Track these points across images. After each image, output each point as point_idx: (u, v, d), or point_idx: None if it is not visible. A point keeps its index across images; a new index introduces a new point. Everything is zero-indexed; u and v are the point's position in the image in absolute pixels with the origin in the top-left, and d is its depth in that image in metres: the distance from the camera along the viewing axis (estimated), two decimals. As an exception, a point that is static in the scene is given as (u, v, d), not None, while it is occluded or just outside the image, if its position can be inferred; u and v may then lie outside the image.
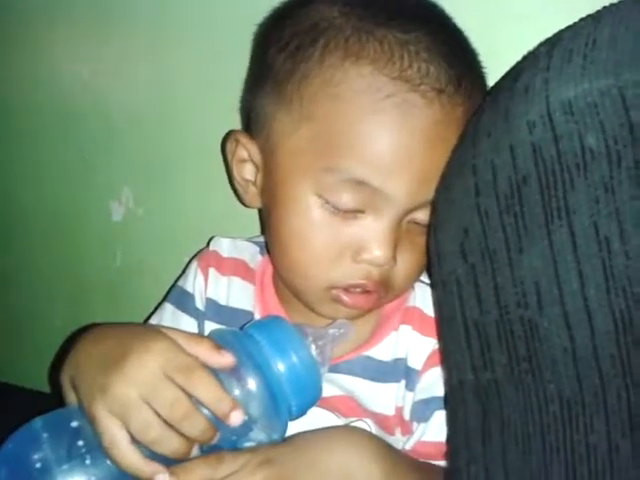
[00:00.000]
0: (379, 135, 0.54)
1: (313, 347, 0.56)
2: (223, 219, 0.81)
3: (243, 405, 0.51)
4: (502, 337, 0.48)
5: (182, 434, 0.48)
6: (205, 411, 0.50)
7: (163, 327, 0.55)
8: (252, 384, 0.52)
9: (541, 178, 0.46)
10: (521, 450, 0.49)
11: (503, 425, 0.50)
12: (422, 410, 0.61)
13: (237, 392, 0.52)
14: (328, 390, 0.60)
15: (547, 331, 0.46)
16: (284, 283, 0.64)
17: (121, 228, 0.88)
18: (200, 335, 0.58)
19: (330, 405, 0.61)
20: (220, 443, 0.51)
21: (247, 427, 0.52)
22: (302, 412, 0.55)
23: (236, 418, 0.49)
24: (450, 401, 0.55)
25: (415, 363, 0.62)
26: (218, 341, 0.53)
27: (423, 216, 0.57)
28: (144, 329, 0.55)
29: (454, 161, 0.53)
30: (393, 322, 0.64)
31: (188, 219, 0.85)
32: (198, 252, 0.71)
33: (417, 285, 0.64)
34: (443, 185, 0.53)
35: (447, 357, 0.55)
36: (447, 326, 0.53)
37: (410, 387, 0.62)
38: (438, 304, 0.55)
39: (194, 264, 0.70)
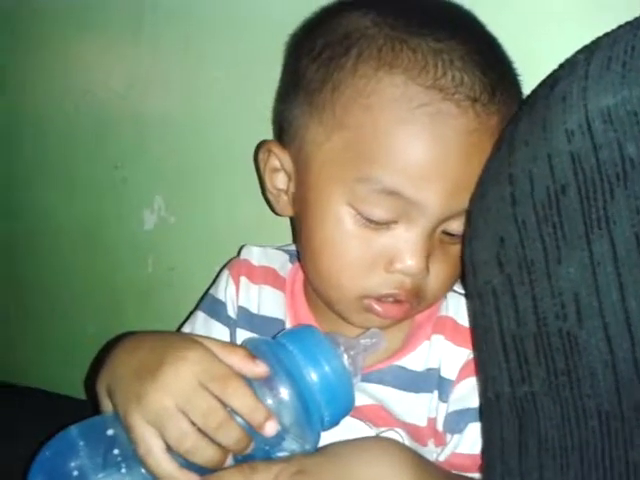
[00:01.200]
0: (412, 144, 0.54)
1: (345, 357, 0.56)
2: (254, 228, 0.81)
3: (276, 414, 0.51)
4: (540, 350, 0.48)
5: (217, 443, 0.48)
6: (239, 420, 0.49)
7: (198, 336, 0.55)
8: (285, 393, 0.52)
9: (580, 188, 0.45)
10: (559, 465, 0.48)
11: (540, 439, 0.49)
12: (456, 421, 0.60)
13: (270, 401, 0.51)
14: (359, 399, 0.59)
15: (586, 344, 0.45)
16: (316, 292, 0.64)
17: (153, 236, 0.88)
18: (234, 344, 0.58)
19: (362, 415, 0.60)
20: (253, 453, 0.51)
21: (280, 437, 0.52)
22: (335, 422, 0.55)
23: (270, 428, 0.49)
24: (486, 414, 0.54)
25: (448, 373, 0.61)
26: (251, 350, 0.53)
27: (456, 226, 0.56)
28: (179, 338, 0.55)
29: (490, 170, 0.52)
30: (425, 332, 0.64)
31: (219, 227, 0.85)
32: (229, 260, 0.71)
33: (450, 294, 0.64)
34: (478, 194, 0.53)
35: (483, 369, 0.54)
36: (483, 338, 0.52)
37: (443, 398, 0.61)
38: (474, 315, 0.54)
39: (226, 272, 0.70)
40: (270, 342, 0.56)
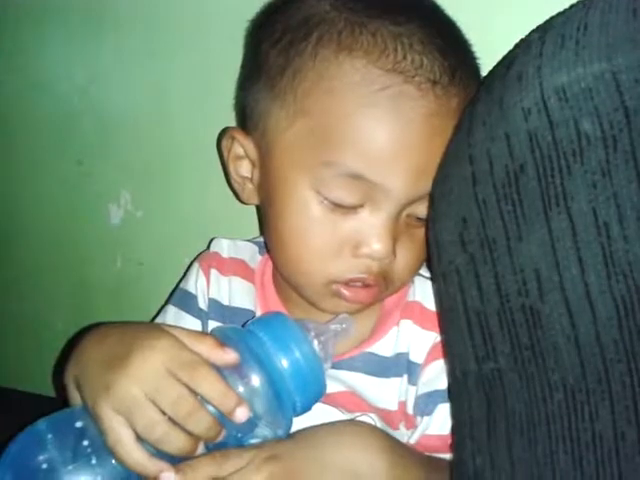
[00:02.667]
0: (374, 128, 0.54)
1: (315, 342, 0.56)
2: (222, 220, 0.81)
3: (247, 402, 0.51)
4: (504, 326, 0.48)
5: (187, 432, 0.48)
6: (210, 408, 0.49)
7: (166, 325, 0.55)
8: (256, 381, 0.52)
9: (538, 166, 0.46)
10: (526, 440, 0.49)
11: (508, 415, 0.50)
12: (425, 403, 0.61)
13: (241, 389, 0.52)
14: (332, 386, 0.60)
15: (549, 318, 0.46)
16: (284, 279, 0.64)
17: (120, 231, 0.88)
18: (203, 332, 0.58)
19: (334, 401, 0.61)
20: (225, 440, 0.51)
21: (252, 424, 0.52)
22: (307, 408, 0.55)
23: (241, 414, 0.49)
24: (454, 392, 0.55)
25: (417, 357, 0.62)
26: (221, 338, 0.53)
27: (422, 209, 0.57)
28: (147, 327, 0.55)
29: (450, 151, 0.53)
30: (394, 317, 0.64)
31: (187, 220, 0.85)
32: (199, 254, 0.71)
33: (417, 279, 0.64)
34: (440, 176, 0.53)
35: (449, 348, 0.54)
36: (448, 317, 0.53)
37: (412, 381, 0.62)
38: (439, 296, 0.55)
39: (196, 265, 0.70)
40: (239, 330, 0.56)
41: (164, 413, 0.48)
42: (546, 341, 0.47)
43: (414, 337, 0.63)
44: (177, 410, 0.48)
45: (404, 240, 0.58)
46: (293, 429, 0.55)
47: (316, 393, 0.55)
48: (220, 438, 0.50)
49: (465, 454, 0.53)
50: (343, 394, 0.62)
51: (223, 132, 0.64)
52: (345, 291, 0.59)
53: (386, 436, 0.57)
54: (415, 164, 0.55)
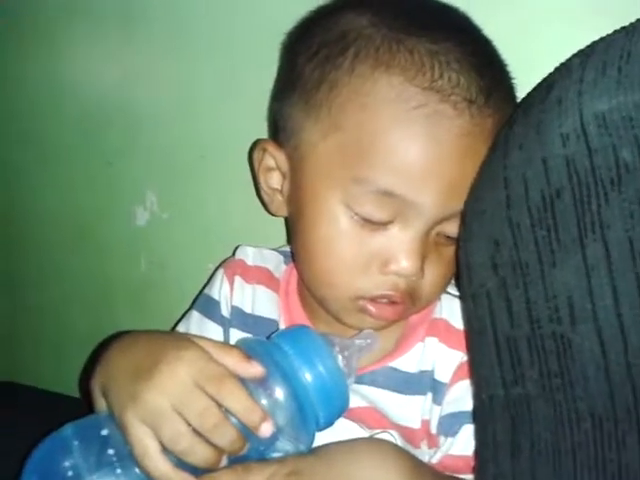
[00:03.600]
0: (408, 145, 0.54)
1: (340, 357, 0.56)
2: (247, 225, 0.81)
3: (271, 415, 0.51)
4: (534, 352, 0.48)
5: (212, 444, 0.48)
6: (234, 420, 0.50)
7: (193, 335, 0.55)
8: (280, 394, 0.52)
9: (575, 192, 0.45)
10: (551, 467, 0.49)
11: (533, 441, 0.49)
12: (450, 424, 0.60)
13: (264, 402, 0.51)
14: (352, 401, 0.58)
15: (580, 347, 0.46)
16: (310, 292, 0.63)
17: (145, 233, 0.88)
18: (229, 344, 0.58)
19: (355, 416, 0.60)
20: (248, 453, 0.51)
21: (274, 437, 0.52)
22: (329, 423, 0.55)
23: (266, 429, 0.49)
24: (479, 415, 0.54)
25: (442, 376, 0.61)
26: (246, 350, 0.53)
27: (451, 228, 0.57)
28: (174, 337, 0.55)
29: (485, 172, 0.53)
30: (419, 333, 0.63)
31: (211, 224, 0.85)
32: (224, 260, 0.71)
33: (443, 297, 0.64)
34: (473, 197, 0.53)
35: (477, 371, 0.54)
36: (477, 340, 0.53)
37: (437, 401, 0.61)
38: (468, 318, 0.54)
39: (220, 272, 0.70)
40: (264, 342, 0.56)
41: (190, 425, 0.48)
42: (576, 370, 0.46)
43: (439, 355, 0.62)
44: (203, 422, 0.48)
45: (433, 258, 0.58)
46: (315, 443, 0.55)
47: (339, 409, 0.55)
48: (243, 451, 0.50)
49: (487, 477, 0.53)
50: (364, 409, 0.61)
51: (255, 143, 0.64)
52: (371, 307, 0.59)
53: (407, 456, 0.56)
54: (447, 183, 0.54)
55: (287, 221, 0.69)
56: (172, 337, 0.55)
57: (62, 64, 0.89)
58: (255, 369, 0.51)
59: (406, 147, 0.54)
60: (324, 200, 0.57)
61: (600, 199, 0.45)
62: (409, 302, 0.59)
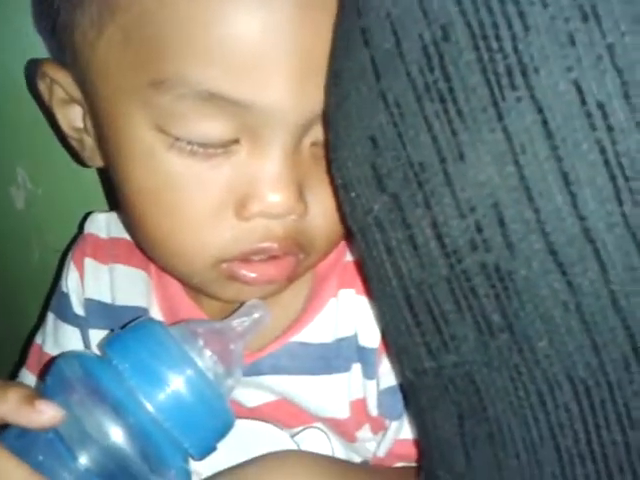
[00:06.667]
0: (228, 19, 0.35)
1: (208, 354, 0.40)
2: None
3: (114, 465, 0.34)
4: (460, 300, 0.30)
5: None
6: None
7: None
8: (117, 435, 0.36)
9: (471, 23, 0.26)
10: (525, 463, 0.31)
11: (491, 431, 0.32)
12: (391, 403, 0.45)
13: (94, 450, 0.35)
14: (255, 398, 0.47)
15: (527, 280, 0.27)
16: (158, 266, 0.46)
17: (28, 215, 0.70)
18: (6, 385, 0.39)
19: (266, 415, 0.47)
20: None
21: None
22: (207, 449, 0.39)
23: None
24: (410, 402, 0.37)
25: (369, 340, 0.45)
26: (52, 383, 0.37)
27: None
28: None
29: (340, 38, 0.33)
30: (330, 287, 0.46)
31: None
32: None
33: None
34: (331, 77, 0.34)
35: (392, 339, 0.35)
36: (380, 295, 0.34)
37: (369, 373, 0.45)
38: (362, 261, 0.35)
39: (68, 256, 0.54)
40: (88, 361, 0.39)
41: None
42: (530, 315, 0.28)
43: (361, 312, 0.45)
44: None
45: (315, 183, 0.40)
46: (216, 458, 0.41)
47: (215, 429, 0.40)
48: None
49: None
50: (274, 404, 0.47)
51: (35, 69, 0.44)
52: (242, 271, 0.42)
53: (321, 462, 0.44)
54: (298, 65, 0.36)
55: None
56: None
57: None
58: (42, 416, 0.34)
59: (225, 22, 0.35)
60: (128, 129, 0.39)
61: (514, 26, 0.25)
62: (298, 252, 0.42)
